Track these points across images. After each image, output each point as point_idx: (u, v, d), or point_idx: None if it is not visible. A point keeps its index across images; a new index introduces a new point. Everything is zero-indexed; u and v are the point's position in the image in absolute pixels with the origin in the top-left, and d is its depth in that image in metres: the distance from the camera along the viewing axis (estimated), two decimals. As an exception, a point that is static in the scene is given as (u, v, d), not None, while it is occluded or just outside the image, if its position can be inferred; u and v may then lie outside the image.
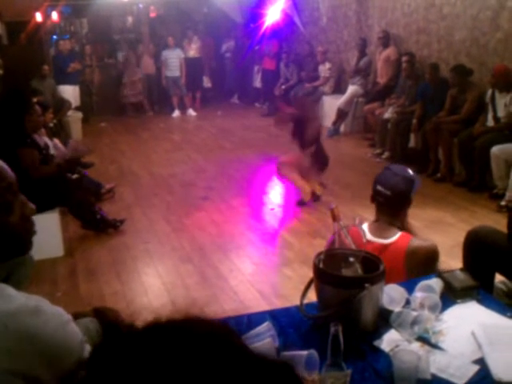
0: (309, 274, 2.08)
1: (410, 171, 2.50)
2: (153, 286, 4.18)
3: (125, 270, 4.50)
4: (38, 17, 9.90)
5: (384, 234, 2.41)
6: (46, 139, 5.66)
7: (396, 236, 2.39)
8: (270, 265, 4.56)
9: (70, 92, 9.60)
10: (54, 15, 11.10)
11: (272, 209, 5.86)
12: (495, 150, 5.60)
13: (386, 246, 2.36)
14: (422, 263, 2.31)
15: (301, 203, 5.78)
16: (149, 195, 6.37)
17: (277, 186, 6.69)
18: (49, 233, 4.70)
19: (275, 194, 6.49)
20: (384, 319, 1.94)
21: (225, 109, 11.72)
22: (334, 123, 9.00)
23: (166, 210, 5.88)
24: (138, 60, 11.49)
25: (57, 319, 1.33)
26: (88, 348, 1.42)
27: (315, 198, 5.81)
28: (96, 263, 4.62)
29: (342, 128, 9.12)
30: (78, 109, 9.68)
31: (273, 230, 5.34)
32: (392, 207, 2.44)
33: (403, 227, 2.46)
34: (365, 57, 8.83)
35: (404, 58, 7.45)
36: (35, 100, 6.25)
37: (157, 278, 4.33)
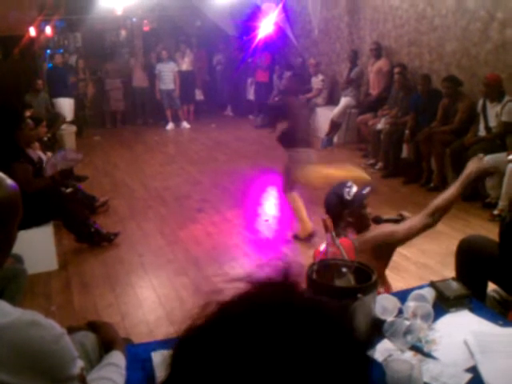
0: (304, 285, 2.09)
1: (347, 187, 2.74)
2: (147, 299, 4.17)
3: (119, 283, 4.49)
4: (32, 31, 9.93)
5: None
6: (40, 153, 5.67)
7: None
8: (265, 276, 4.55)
9: (66, 105, 9.60)
10: (48, 30, 11.15)
11: (266, 220, 5.87)
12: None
13: None
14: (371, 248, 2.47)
15: (296, 238, 5.27)
16: (143, 208, 6.37)
17: (271, 197, 6.72)
18: (43, 246, 4.70)
19: (270, 205, 6.51)
20: (377, 329, 1.95)
21: (218, 121, 11.76)
22: (328, 134, 9.04)
23: (160, 222, 5.88)
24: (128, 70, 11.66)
25: (51, 333, 1.34)
26: (81, 363, 1.42)
27: (311, 236, 5.23)
28: (90, 276, 4.61)
29: (336, 139, 9.16)
30: (72, 122, 9.68)
31: (267, 241, 5.35)
32: (332, 218, 2.60)
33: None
34: (356, 67, 8.90)
35: (396, 70, 7.51)
36: (28, 114, 6.27)
37: (151, 290, 4.32)
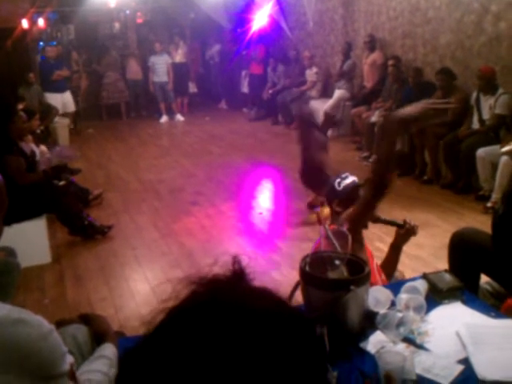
0: (298, 277, 2.09)
1: (340, 178, 2.73)
2: (141, 292, 4.17)
3: (113, 276, 4.48)
4: (25, 23, 9.85)
5: None
6: (33, 146, 5.65)
7: None
8: (259, 269, 4.53)
9: (58, 100, 9.50)
10: (41, 22, 11.07)
11: (260, 213, 5.87)
12: (481, 152, 5.65)
13: None
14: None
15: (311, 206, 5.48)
16: (137, 201, 6.36)
17: (265, 190, 6.72)
18: (36, 239, 4.69)
19: (264, 198, 6.51)
20: (370, 321, 1.96)
21: (212, 114, 11.74)
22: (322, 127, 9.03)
23: (154, 215, 5.87)
24: (121, 63, 11.62)
25: (38, 330, 1.33)
26: (70, 359, 1.42)
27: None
28: (84, 270, 4.60)
29: (330, 132, 9.15)
30: (69, 115, 9.65)
31: (261, 234, 5.35)
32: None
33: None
34: (348, 60, 8.89)
35: (390, 62, 7.50)
36: (21, 107, 6.24)
37: (145, 283, 4.32)
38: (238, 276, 0.70)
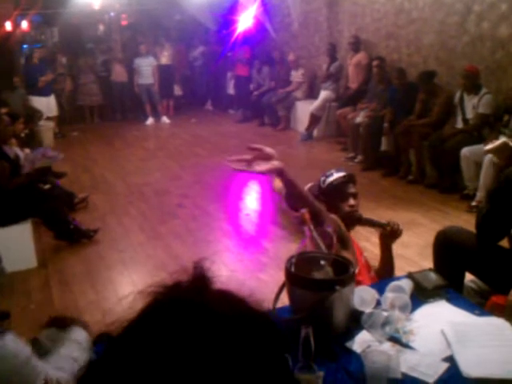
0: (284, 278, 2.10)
1: (325, 176, 2.72)
2: (128, 295, 4.14)
3: (99, 279, 4.46)
4: (8, 26, 9.77)
5: None
6: (17, 149, 5.60)
7: None
8: (246, 270, 4.57)
9: (43, 103, 9.42)
10: (24, 24, 10.99)
11: (247, 214, 5.87)
12: (465, 151, 5.70)
13: None
14: None
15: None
16: (123, 204, 6.33)
17: (252, 191, 6.72)
18: (21, 244, 4.65)
19: (250, 199, 6.51)
20: (355, 320, 1.97)
21: (199, 116, 11.72)
22: (308, 128, 9.06)
23: (140, 218, 5.85)
24: (105, 65, 11.58)
25: (12, 362, 1.33)
26: (44, 373, 1.41)
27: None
28: (70, 274, 4.57)
29: (315, 133, 9.18)
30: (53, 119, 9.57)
31: (248, 235, 5.36)
32: None
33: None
34: (335, 61, 8.92)
35: (374, 63, 7.54)
36: (4, 111, 6.19)
37: (132, 286, 4.30)
38: (199, 280, 0.70)
